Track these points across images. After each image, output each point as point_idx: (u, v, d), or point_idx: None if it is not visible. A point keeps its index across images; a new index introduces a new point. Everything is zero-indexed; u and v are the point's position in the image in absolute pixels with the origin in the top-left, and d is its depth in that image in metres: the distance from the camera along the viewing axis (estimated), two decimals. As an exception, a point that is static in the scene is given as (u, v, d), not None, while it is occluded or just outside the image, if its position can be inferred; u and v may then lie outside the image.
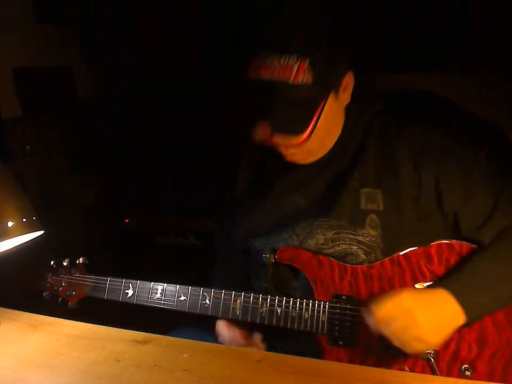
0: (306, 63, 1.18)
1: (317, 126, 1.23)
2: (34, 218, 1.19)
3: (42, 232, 1.22)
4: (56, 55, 2.41)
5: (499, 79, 1.77)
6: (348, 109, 1.32)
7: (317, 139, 1.26)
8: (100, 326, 1.23)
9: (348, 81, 1.27)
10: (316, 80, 1.19)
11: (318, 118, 1.23)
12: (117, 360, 1.09)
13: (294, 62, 1.18)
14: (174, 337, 1.23)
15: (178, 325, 1.51)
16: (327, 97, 1.24)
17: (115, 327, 1.22)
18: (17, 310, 1.32)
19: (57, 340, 1.19)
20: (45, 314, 1.29)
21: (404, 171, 1.25)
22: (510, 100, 1.74)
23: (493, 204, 1.22)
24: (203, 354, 1.10)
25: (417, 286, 1.23)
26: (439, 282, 1.21)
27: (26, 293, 1.54)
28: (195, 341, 1.17)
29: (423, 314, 1.13)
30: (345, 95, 1.28)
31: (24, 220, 1.17)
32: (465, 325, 1.17)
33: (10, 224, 1.14)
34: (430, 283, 1.23)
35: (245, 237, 1.43)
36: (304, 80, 1.19)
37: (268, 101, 1.21)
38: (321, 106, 1.23)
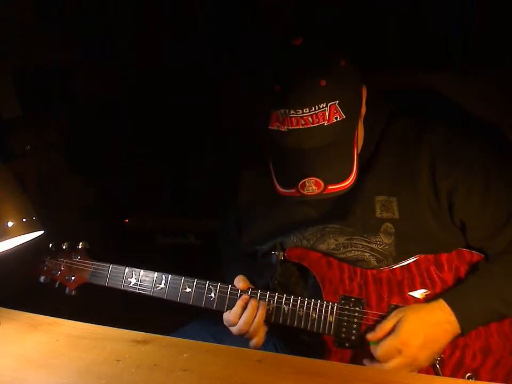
0: (336, 105, 1.13)
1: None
2: (34, 218, 1.19)
3: (42, 232, 1.22)
4: (56, 55, 2.41)
5: (499, 79, 1.77)
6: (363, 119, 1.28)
7: None
8: (100, 326, 1.23)
9: (364, 94, 1.24)
10: (348, 112, 1.15)
11: (356, 150, 1.20)
12: (117, 360, 1.09)
13: (324, 108, 1.12)
14: (174, 337, 1.23)
15: (179, 324, 1.51)
16: (358, 124, 1.21)
17: (115, 327, 1.22)
18: (17, 310, 1.32)
19: (57, 340, 1.19)
20: (45, 314, 1.29)
21: (421, 178, 1.23)
22: (510, 100, 1.73)
23: (506, 217, 1.20)
24: (203, 354, 1.10)
25: (411, 293, 1.24)
26: (440, 294, 1.21)
27: (26, 293, 1.54)
28: (195, 341, 1.17)
29: (423, 350, 1.15)
30: (363, 109, 1.25)
31: (24, 220, 1.17)
32: (460, 334, 1.18)
33: (10, 224, 1.14)
34: (426, 291, 1.23)
35: (252, 244, 1.43)
36: (338, 118, 1.14)
37: (305, 153, 1.15)
38: (356, 135, 1.20)
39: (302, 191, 1.17)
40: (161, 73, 2.46)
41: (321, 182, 1.16)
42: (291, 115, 1.13)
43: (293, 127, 1.13)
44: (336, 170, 1.18)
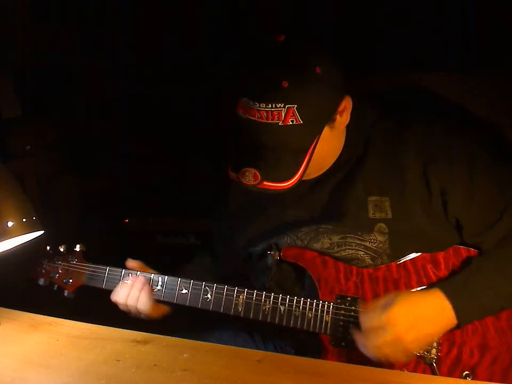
0: (294, 109, 1.14)
1: (312, 158, 1.19)
2: (34, 218, 1.19)
3: (42, 232, 1.22)
4: (56, 55, 2.40)
5: (499, 79, 1.77)
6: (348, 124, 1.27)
7: (313, 167, 1.23)
8: (100, 326, 1.23)
9: (345, 104, 1.22)
10: (307, 119, 1.15)
11: (310, 157, 1.19)
12: (117, 360, 1.09)
13: (281, 108, 1.14)
14: (174, 337, 1.23)
15: (179, 325, 1.51)
16: (321, 132, 1.20)
17: (115, 327, 1.22)
18: (17, 310, 1.32)
19: (57, 340, 1.19)
20: (45, 314, 1.29)
21: (410, 175, 1.22)
22: (510, 100, 1.73)
23: (500, 212, 1.20)
24: (203, 354, 1.10)
25: (415, 290, 1.23)
26: (435, 284, 1.21)
27: (26, 293, 1.54)
28: (195, 341, 1.17)
29: (410, 332, 1.13)
30: (343, 118, 1.23)
31: (24, 220, 1.17)
32: (456, 327, 1.17)
33: (10, 224, 1.15)
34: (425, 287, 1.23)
35: (245, 246, 1.43)
36: (294, 122, 1.15)
37: (257, 146, 1.18)
38: (314, 143, 1.19)
39: (241, 178, 1.20)
40: (161, 73, 2.46)
41: (259, 175, 1.18)
42: (251, 105, 1.16)
43: (249, 117, 1.17)
44: (278, 171, 1.19)
